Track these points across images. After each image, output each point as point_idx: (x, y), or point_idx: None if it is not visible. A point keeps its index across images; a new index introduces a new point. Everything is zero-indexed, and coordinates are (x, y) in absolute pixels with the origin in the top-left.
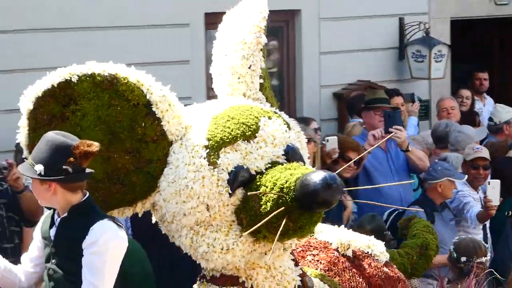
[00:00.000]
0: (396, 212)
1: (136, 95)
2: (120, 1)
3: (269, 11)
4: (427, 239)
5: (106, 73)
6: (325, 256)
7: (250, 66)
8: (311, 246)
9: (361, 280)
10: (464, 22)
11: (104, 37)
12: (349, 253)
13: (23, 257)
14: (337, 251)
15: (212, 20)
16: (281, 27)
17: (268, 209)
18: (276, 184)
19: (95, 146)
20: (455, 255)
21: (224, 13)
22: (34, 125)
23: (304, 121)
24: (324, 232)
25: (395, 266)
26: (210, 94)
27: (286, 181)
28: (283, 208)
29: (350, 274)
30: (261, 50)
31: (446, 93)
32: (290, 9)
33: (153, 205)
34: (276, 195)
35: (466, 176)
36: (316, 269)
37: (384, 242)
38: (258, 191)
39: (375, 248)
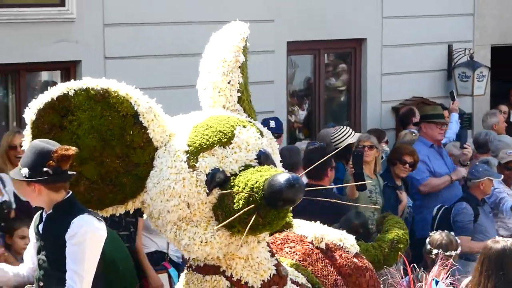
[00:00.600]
0: (443, 208)
1: (125, 107)
2: None
3: (339, 39)
4: (398, 234)
5: (99, 88)
6: (301, 248)
7: (230, 81)
8: (289, 239)
9: (332, 269)
10: (503, 48)
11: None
12: (323, 245)
13: (25, 255)
14: (312, 244)
15: (292, 47)
16: (350, 53)
17: (240, 206)
18: (247, 184)
19: (72, 150)
20: (428, 247)
21: (309, 42)
22: (37, 133)
23: (377, 133)
24: (301, 227)
25: (364, 257)
26: (290, 109)
27: (256, 182)
28: (253, 205)
29: (323, 264)
30: (239, 67)
31: (486, 108)
32: (357, 38)
33: (143, 203)
34: (247, 194)
35: (502, 176)
36: (292, 259)
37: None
38: (230, 191)
39: (346, 241)
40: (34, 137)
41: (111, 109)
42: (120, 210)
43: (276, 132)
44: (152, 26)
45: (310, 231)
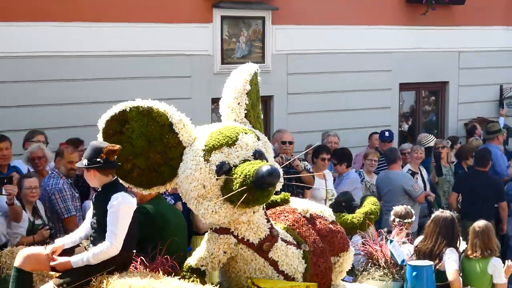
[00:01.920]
0: None
1: (163, 119)
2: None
3: (432, 82)
4: (371, 209)
5: (146, 106)
6: (292, 217)
7: (239, 103)
8: (285, 210)
9: (313, 231)
10: None
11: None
12: (308, 215)
13: (85, 222)
14: (300, 214)
15: (402, 86)
16: (438, 90)
17: (237, 188)
18: (242, 172)
19: (116, 147)
20: (392, 217)
21: (413, 83)
22: (105, 136)
23: (455, 139)
24: (294, 202)
25: (338, 224)
26: (400, 124)
27: (248, 171)
28: (245, 187)
29: (307, 227)
30: (246, 93)
31: None
32: (443, 81)
33: (176, 185)
34: (242, 179)
35: None
36: (285, 224)
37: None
38: (231, 177)
39: (325, 212)
40: (104, 139)
41: (154, 120)
42: (161, 189)
43: (389, 139)
44: (311, 75)
45: (300, 205)
